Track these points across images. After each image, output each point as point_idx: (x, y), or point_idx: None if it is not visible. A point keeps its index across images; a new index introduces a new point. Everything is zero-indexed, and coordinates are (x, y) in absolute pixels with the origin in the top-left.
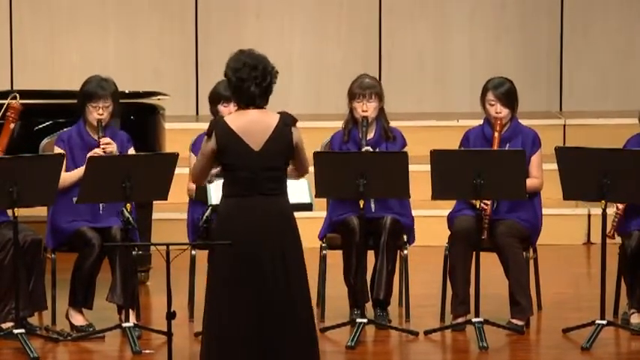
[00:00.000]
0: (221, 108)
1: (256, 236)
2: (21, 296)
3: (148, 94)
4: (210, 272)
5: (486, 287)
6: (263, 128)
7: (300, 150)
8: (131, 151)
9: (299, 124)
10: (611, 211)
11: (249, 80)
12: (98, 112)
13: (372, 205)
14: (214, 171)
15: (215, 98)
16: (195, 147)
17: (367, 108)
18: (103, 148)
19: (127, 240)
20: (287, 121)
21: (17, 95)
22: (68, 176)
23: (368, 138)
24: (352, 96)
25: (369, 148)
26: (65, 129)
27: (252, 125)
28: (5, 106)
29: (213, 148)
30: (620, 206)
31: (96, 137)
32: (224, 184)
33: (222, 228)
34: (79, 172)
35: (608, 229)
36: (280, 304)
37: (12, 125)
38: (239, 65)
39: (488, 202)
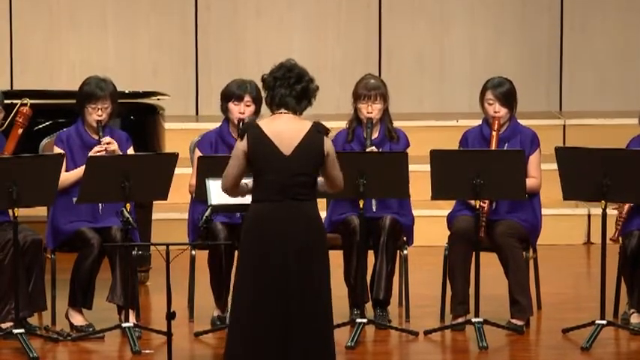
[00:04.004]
0: (231, 106)
1: (284, 241)
2: (21, 296)
3: (148, 94)
4: (238, 274)
5: (486, 287)
6: (294, 133)
7: (331, 162)
8: (130, 150)
9: None
10: (612, 212)
11: (281, 79)
12: (97, 113)
13: (374, 205)
14: (247, 181)
15: (227, 95)
16: (200, 143)
17: (372, 109)
18: (105, 148)
19: (126, 240)
20: (319, 128)
21: (28, 101)
22: (69, 176)
23: (372, 138)
24: (357, 97)
25: (374, 148)
26: (64, 129)
27: (284, 130)
28: (15, 110)
29: (244, 150)
30: (623, 210)
31: (95, 137)
32: (254, 189)
33: (251, 232)
34: (80, 171)
35: (612, 234)
36: (302, 311)
37: (20, 130)
38: (277, 67)
39: (486, 201)
